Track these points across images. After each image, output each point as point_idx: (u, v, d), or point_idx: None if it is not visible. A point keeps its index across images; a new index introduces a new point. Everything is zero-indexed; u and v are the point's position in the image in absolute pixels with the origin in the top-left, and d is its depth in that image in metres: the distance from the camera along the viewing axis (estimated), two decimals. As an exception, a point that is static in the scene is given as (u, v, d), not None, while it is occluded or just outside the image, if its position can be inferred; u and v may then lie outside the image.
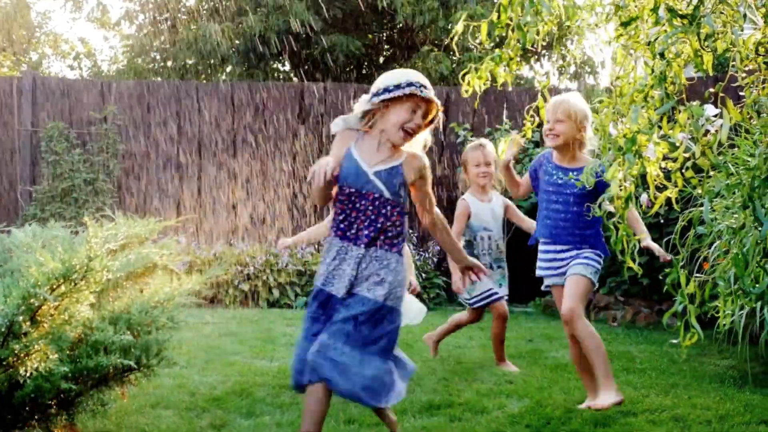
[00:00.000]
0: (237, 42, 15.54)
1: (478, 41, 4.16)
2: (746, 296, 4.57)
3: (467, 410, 5.12)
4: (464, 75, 4.33)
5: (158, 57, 17.52)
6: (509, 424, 4.76)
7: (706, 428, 4.69)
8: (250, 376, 5.96)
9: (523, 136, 4.83)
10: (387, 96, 4.05)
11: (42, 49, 23.72)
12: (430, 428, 4.75)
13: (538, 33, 3.91)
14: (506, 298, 6.61)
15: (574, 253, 5.19)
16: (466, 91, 4.32)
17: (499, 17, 3.88)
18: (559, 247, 5.24)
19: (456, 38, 4.16)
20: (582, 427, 4.72)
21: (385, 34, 17.24)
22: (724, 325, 5.02)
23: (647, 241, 5.20)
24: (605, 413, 4.93)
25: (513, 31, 3.96)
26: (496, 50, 4.26)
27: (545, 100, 4.60)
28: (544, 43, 4.11)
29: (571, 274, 5.13)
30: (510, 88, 6.13)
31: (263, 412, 5.04)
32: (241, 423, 4.80)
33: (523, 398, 5.40)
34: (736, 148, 5.53)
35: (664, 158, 3.38)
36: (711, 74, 3.37)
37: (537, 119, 4.72)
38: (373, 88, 4.13)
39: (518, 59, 4.20)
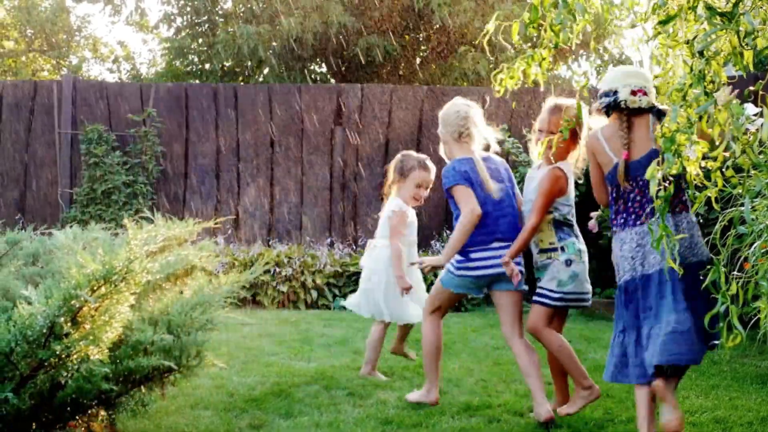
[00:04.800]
0: (274, 44, 15.60)
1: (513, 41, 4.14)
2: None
3: (506, 411, 5.11)
4: (496, 75, 4.31)
5: (196, 59, 17.65)
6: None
7: (748, 430, 4.64)
8: (289, 376, 5.98)
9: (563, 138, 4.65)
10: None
11: (82, 52, 23.97)
12: (468, 429, 4.74)
13: (572, 31, 3.88)
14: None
15: None
16: (498, 91, 4.31)
17: (531, 17, 3.86)
18: None
19: (488, 37, 4.13)
20: (621, 430, 4.68)
21: (422, 35, 17.22)
22: (767, 325, 4.95)
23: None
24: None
25: (545, 31, 3.93)
26: (530, 50, 4.24)
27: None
28: (578, 42, 4.06)
29: None
30: (542, 88, 6.04)
31: (302, 412, 5.06)
32: (279, 423, 4.82)
33: (562, 399, 5.37)
34: (777, 147, 5.45)
35: (704, 157, 3.35)
36: (751, 72, 3.33)
37: (574, 120, 4.63)
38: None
39: (551, 59, 4.17)
